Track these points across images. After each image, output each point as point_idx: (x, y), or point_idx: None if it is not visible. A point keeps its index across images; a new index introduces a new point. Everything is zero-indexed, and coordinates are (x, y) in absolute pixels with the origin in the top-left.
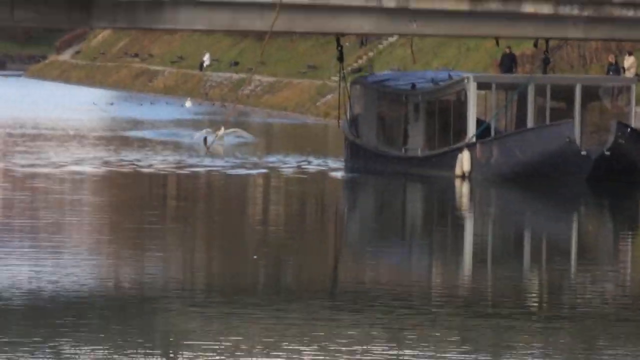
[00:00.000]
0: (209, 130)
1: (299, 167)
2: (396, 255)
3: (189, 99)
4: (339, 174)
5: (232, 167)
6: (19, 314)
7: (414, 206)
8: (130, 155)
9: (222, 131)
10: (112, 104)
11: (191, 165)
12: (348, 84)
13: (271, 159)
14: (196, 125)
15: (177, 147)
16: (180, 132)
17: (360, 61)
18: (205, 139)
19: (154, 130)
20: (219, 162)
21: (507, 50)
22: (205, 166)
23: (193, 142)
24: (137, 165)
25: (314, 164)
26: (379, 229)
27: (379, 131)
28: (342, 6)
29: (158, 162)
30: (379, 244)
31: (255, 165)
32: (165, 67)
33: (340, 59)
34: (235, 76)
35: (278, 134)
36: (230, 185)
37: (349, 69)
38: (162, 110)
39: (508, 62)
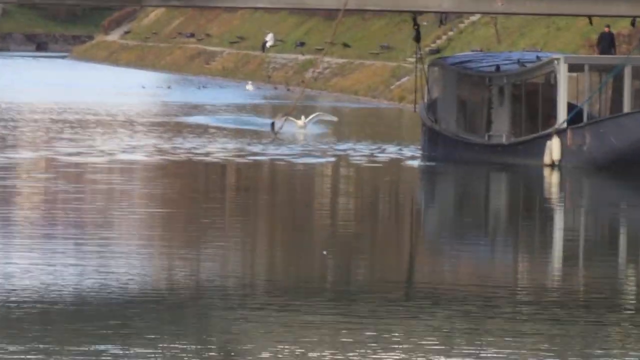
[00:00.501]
0: (288, 117)
1: (371, 155)
2: (478, 252)
3: (250, 82)
4: (415, 163)
5: (299, 155)
6: (65, 316)
7: (498, 198)
8: (186, 142)
9: (302, 120)
10: (169, 87)
11: (254, 154)
12: (425, 66)
13: (341, 146)
14: (259, 110)
15: (239, 134)
16: (243, 118)
17: (438, 41)
18: (273, 124)
19: (214, 115)
20: (284, 150)
21: (606, 30)
22: (269, 154)
23: (277, 131)
24: (194, 153)
25: (388, 152)
26: (460, 223)
27: (459, 116)
28: None
29: (218, 149)
30: (460, 240)
31: (324, 153)
32: (224, 48)
33: (417, 38)
34: (301, 57)
35: (348, 119)
36: (297, 175)
37: (427, 49)
38: (221, 94)
39: (606, 42)
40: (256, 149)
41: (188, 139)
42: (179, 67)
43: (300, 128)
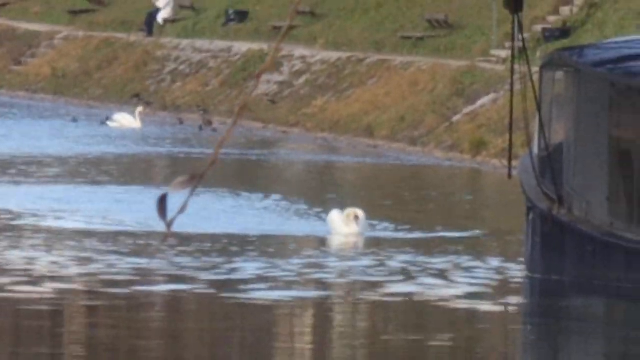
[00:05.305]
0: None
1: (406, 278)
2: None
3: (140, 108)
4: (511, 300)
5: (237, 285)
6: None
7: None
8: None
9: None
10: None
11: (146, 278)
12: (536, 69)
13: (343, 261)
14: (147, 172)
15: (97, 233)
16: (111, 192)
17: (564, 11)
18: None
19: (30, 185)
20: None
21: None
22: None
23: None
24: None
25: (447, 272)
26: None
27: (617, 189)
28: None
29: (53, 267)
30: None
31: (302, 279)
32: (57, 25)
33: (516, 4)
34: (240, 48)
35: (357, 194)
36: (242, 330)
37: (539, 29)
38: (47, 136)
39: None
40: (144, 264)
41: None
42: None
43: (349, 219)
